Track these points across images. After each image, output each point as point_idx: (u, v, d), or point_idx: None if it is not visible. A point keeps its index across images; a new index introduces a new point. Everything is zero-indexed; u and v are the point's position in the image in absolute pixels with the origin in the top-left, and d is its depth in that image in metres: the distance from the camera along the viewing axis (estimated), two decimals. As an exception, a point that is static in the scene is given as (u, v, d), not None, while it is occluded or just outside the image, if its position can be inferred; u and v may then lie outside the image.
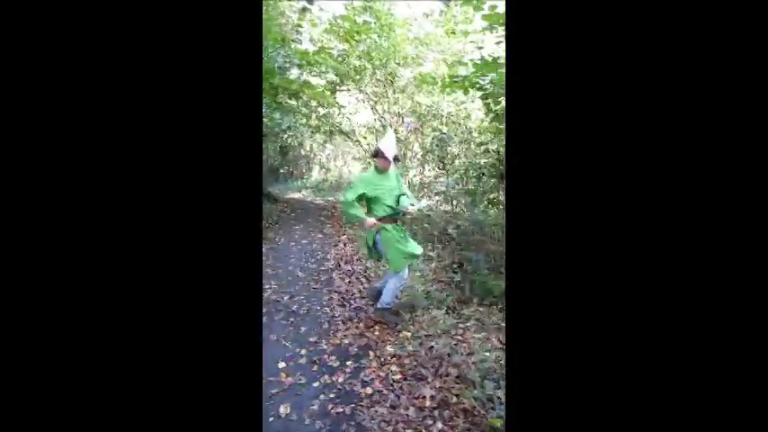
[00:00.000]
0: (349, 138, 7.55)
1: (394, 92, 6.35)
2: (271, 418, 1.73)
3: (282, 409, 1.78)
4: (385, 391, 1.92)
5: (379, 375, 2.06)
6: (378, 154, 2.57)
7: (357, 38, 5.43)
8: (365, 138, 7.42)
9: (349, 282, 3.47)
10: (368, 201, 2.53)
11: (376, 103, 6.77)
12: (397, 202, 2.62)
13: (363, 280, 3.52)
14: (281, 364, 2.14)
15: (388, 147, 2.58)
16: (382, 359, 2.21)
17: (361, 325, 2.62)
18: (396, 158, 2.61)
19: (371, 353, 2.28)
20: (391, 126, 2.81)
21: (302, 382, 2.00)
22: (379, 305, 2.65)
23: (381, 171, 2.55)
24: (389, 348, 2.31)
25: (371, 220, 2.48)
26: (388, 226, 2.50)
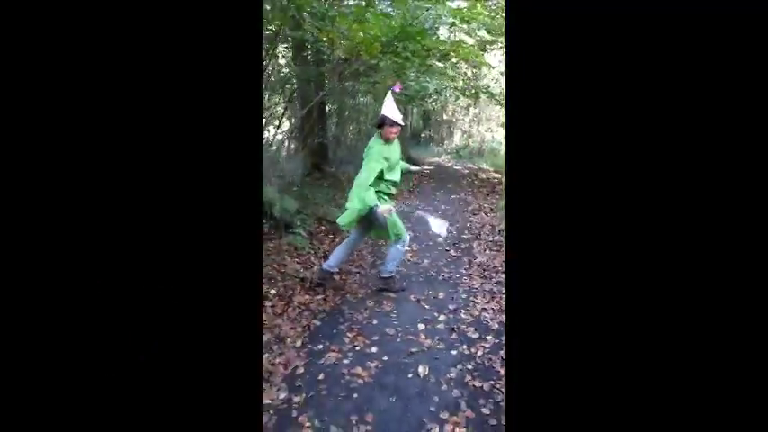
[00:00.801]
0: (497, 101, 7.05)
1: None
2: (410, 375, 1.80)
3: (421, 369, 1.83)
4: (528, 376, 1.80)
5: (521, 357, 1.94)
6: (384, 122, 2.23)
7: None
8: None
9: (489, 254, 3.34)
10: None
11: (532, 60, 6.07)
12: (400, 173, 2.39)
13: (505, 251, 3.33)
14: (421, 326, 2.20)
15: (395, 111, 2.23)
16: (525, 341, 2.07)
17: (503, 300, 2.49)
18: (400, 124, 2.29)
19: (513, 332, 2.15)
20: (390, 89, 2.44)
21: (440, 347, 2.02)
22: (383, 274, 2.49)
23: (388, 142, 2.28)
24: (534, 331, 2.14)
25: (387, 207, 2.22)
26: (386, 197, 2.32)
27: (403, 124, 2.32)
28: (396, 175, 2.36)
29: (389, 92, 2.36)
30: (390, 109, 2.27)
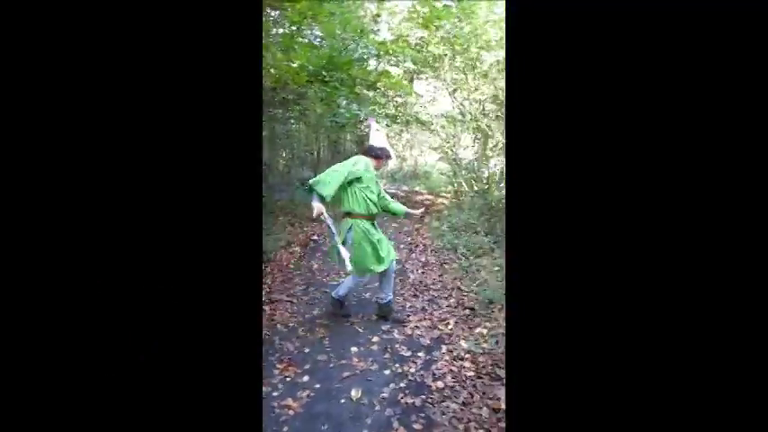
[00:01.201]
0: (426, 127, 7.45)
1: (475, 78, 6.09)
2: (342, 400, 1.76)
3: (354, 393, 1.80)
4: (457, 388, 1.85)
5: (451, 370, 1.99)
6: (385, 155, 2.38)
7: (436, 23, 5.29)
8: (443, 127, 7.26)
9: (422, 272, 3.43)
10: (344, 191, 2.26)
11: (455, 90, 6.56)
12: (375, 203, 2.31)
13: (436, 269, 3.44)
14: (354, 349, 2.18)
15: (387, 145, 2.43)
16: (455, 354, 2.13)
17: (434, 317, 2.56)
18: (387, 155, 2.42)
19: (444, 346, 2.21)
20: (377, 122, 2.68)
21: (374, 368, 2.02)
22: (333, 294, 2.53)
23: (374, 169, 2.39)
24: (463, 344, 2.22)
25: (318, 206, 2.15)
26: (364, 223, 2.26)
27: (393, 158, 2.41)
28: (371, 194, 2.28)
29: (372, 124, 2.45)
30: (383, 140, 2.39)
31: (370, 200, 2.27)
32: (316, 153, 7.80)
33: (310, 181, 2.21)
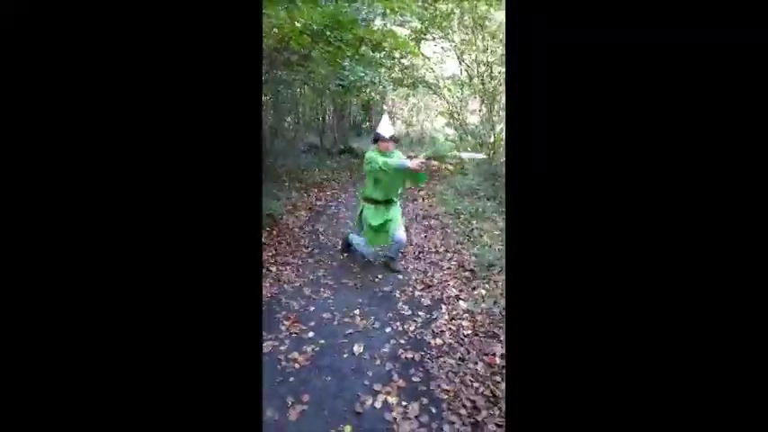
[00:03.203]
0: (433, 90, 7.27)
1: (483, 38, 5.87)
2: (345, 355, 1.86)
3: (356, 348, 1.90)
4: (455, 344, 1.94)
5: (449, 329, 2.08)
6: (377, 138, 2.61)
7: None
8: (449, 90, 7.07)
9: (425, 236, 3.48)
10: (368, 179, 2.67)
11: (462, 52, 6.35)
12: (395, 189, 2.69)
13: (439, 233, 3.49)
14: (357, 309, 2.27)
15: (385, 128, 2.61)
16: (454, 313, 2.22)
17: (435, 279, 2.63)
18: (394, 138, 2.63)
19: (443, 306, 2.29)
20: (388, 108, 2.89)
21: (376, 326, 2.11)
22: (350, 240, 2.99)
23: (384, 153, 2.59)
24: (462, 304, 2.30)
25: (417, 161, 2.38)
26: (371, 206, 2.67)
27: (389, 136, 2.60)
28: (377, 194, 2.65)
29: (384, 117, 2.75)
30: (383, 125, 2.64)
31: (371, 189, 2.67)
32: (321, 118, 7.69)
33: (398, 164, 2.43)
